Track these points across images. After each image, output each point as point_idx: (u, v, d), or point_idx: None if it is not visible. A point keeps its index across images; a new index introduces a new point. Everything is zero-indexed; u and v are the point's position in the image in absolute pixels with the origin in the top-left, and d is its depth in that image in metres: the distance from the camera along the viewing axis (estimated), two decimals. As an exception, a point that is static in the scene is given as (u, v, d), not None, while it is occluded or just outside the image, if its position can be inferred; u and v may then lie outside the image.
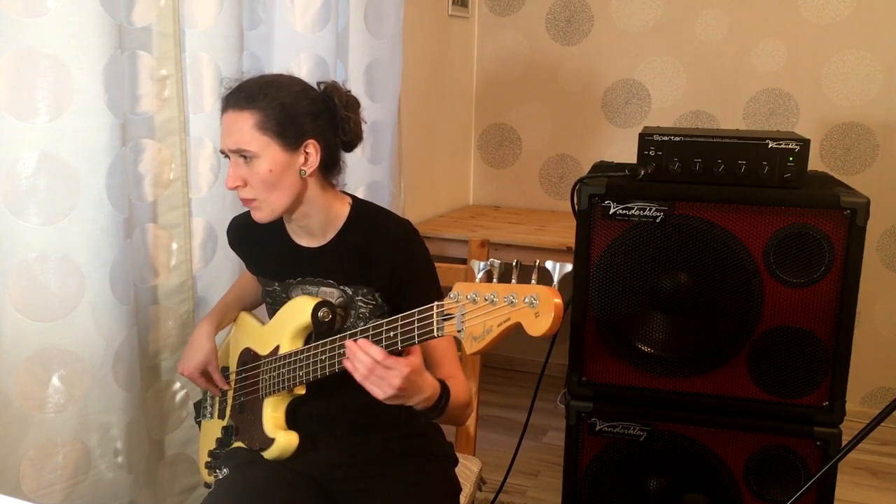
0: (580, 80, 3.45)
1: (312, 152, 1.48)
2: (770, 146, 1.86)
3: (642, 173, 1.91)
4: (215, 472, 1.61)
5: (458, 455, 1.71)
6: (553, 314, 1.11)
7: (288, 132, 1.45)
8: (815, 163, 3.13)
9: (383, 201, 2.56)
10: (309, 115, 1.47)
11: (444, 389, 1.41)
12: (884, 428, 2.23)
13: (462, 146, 3.63)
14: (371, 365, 1.30)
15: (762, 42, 3.17)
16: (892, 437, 3.04)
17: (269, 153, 1.44)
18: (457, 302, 1.22)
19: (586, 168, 3.11)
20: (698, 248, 1.88)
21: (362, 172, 2.48)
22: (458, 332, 1.21)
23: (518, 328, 1.15)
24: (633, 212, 1.89)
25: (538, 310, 1.12)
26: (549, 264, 1.16)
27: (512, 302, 1.15)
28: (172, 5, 1.80)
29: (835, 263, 1.81)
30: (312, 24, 2.17)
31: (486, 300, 1.18)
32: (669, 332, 1.94)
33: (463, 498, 1.65)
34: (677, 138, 1.91)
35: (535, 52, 3.50)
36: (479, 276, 1.21)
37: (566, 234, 2.89)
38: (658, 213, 1.88)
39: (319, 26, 2.19)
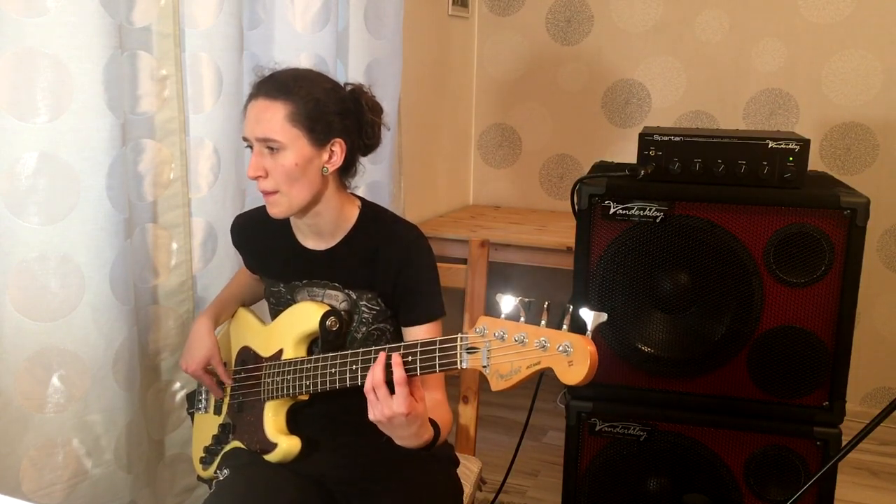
0: (580, 80, 3.45)
1: (338, 151, 1.48)
2: (770, 146, 1.86)
3: (642, 173, 1.91)
4: (215, 473, 1.61)
5: (458, 455, 1.71)
6: (589, 364, 1.09)
7: (318, 128, 1.44)
8: (815, 163, 3.13)
9: (383, 201, 2.56)
10: (338, 114, 1.47)
11: (435, 439, 1.42)
12: (884, 428, 2.23)
13: (462, 146, 3.63)
14: (378, 382, 1.31)
15: (762, 42, 3.17)
16: (892, 437, 3.04)
17: (296, 146, 1.43)
18: (482, 336, 1.20)
19: (586, 168, 3.11)
20: (698, 248, 1.88)
21: (362, 172, 2.48)
22: (484, 367, 1.20)
23: (547, 372, 1.15)
24: (633, 212, 1.89)
25: (572, 358, 1.10)
26: (583, 312, 1.13)
27: (544, 346, 1.13)
28: (172, 5, 1.80)
29: (835, 263, 1.81)
30: (312, 24, 2.17)
31: (515, 340, 1.16)
32: (669, 332, 1.93)
33: (463, 498, 1.65)
34: (677, 138, 1.91)
35: (535, 52, 3.50)
36: (507, 312, 1.19)
37: (566, 234, 2.89)
38: (658, 213, 1.88)
39: (319, 26, 2.19)
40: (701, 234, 1.87)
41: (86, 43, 1.56)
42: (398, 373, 1.30)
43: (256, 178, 1.46)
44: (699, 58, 3.27)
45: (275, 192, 1.46)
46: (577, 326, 1.13)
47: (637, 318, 1.94)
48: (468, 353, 1.22)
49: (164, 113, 1.83)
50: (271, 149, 1.43)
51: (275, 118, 1.42)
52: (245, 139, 1.48)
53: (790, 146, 1.86)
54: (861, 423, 1.54)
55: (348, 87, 1.53)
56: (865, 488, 2.76)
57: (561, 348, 1.11)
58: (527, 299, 1.19)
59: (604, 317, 1.12)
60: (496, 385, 1.18)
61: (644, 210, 1.89)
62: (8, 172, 1.53)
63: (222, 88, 1.91)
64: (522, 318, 1.17)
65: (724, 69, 3.24)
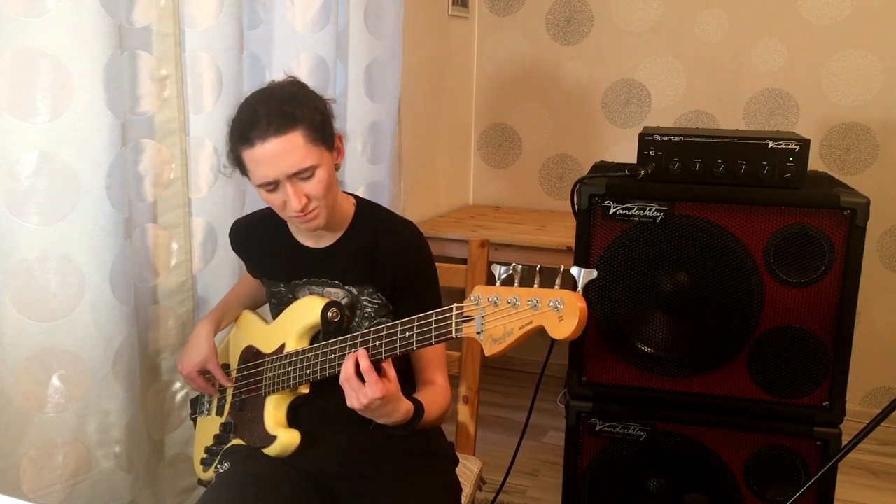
0: (580, 80, 3.45)
1: (340, 144, 1.51)
2: (770, 146, 1.86)
3: (642, 173, 1.91)
4: (215, 468, 1.61)
5: (458, 455, 1.71)
6: (578, 318, 1.11)
7: (326, 133, 1.46)
8: (815, 163, 3.13)
9: (383, 201, 2.56)
10: (327, 111, 1.50)
11: (417, 413, 1.45)
12: (884, 428, 2.23)
13: (462, 146, 3.63)
14: (349, 375, 1.36)
15: (762, 42, 3.17)
16: (892, 437, 3.04)
17: (323, 160, 1.45)
18: (476, 304, 1.21)
19: (586, 168, 3.11)
20: (698, 248, 1.88)
21: (362, 172, 2.48)
22: (478, 333, 1.21)
23: (539, 332, 1.16)
24: (633, 212, 1.89)
25: (562, 313, 1.12)
26: (574, 270, 1.15)
27: (535, 305, 1.14)
28: (172, 5, 1.80)
29: (835, 263, 1.81)
30: (312, 24, 2.17)
31: (508, 303, 1.18)
32: (669, 332, 1.94)
33: (463, 498, 1.65)
34: (677, 138, 1.91)
35: (535, 52, 3.50)
36: (501, 279, 1.20)
37: (566, 234, 2.89)
38: (658, 213, 1.88)
39: (319, 26, 2.19)
40: (701, 234, 1.87)
41: (86, 43, 1.56)
42: (363, 363, 1.36)
43: (303, 206, 1.44)
44: (699, 58, 3.27)
45: (315, 209, 1.46)
46: (570, 286, 1.15)
47: (637, 318, 1.94)
48: (463, 321, 1.24)
49: (164, 113, 1.83)
50: (305, 177, 1.43)
51: (296, 147, 1.40)
52: (267, 183, 1.42)
53: (790, 146, 1.86)
54: (861, 423, 1.54)
55: (288, 79, 1.51)
56: (865, 488, 2.76)
57: (552, 304, 1.13)
58: (520, 265, 1.20)
59: (594, 274, 1.14)
60: (490, 349, 1.19)
61: (644, 210, 1.89)
62: (8, 172, 1.53)
63: (222, 88, 1.91)
64: (517, 284, 1.19)
65: (724, 69, 3.24)
